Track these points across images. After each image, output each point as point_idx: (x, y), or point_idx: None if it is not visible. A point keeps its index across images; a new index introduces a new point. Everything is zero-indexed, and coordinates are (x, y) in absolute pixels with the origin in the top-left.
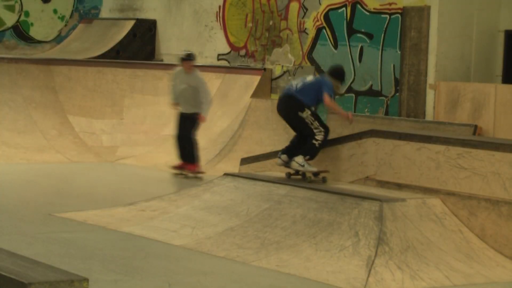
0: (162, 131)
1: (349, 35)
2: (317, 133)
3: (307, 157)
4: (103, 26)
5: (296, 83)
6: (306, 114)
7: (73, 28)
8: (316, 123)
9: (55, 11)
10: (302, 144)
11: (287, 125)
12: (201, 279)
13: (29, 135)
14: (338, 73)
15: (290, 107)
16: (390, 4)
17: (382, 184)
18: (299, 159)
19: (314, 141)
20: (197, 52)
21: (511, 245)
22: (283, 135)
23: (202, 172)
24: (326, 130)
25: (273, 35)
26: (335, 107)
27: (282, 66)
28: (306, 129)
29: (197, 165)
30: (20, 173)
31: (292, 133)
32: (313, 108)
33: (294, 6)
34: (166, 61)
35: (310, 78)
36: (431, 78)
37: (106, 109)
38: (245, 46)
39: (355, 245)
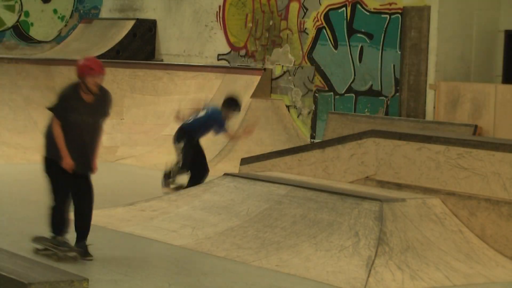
0: (162, 131)
1: (349, 35)
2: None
3: None
4: (103, 26)
5: (189, 118)
6: (180, 146)
7: (73, 28)
8: (181, 160)
9: (55, 11)
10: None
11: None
12: (201, 279)
13: (29, 135)
14: (230, 103)
15: (175, 137)
16: (390, 4)
17: (382, 184)
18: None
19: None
20: (197, 52)
21: (511, 245)
22: (283, 135)
23: None
24: (189, 170)
25: (273, 35)
26: (236, 137)
27: (282, 66)
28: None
29: None
30: (20, 173)
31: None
32: (190, 143)
33: (294, 6)
34: (166, 61)
35: (202, 113)
36: (431, 78)
37: None
38: (245, 46)
39: (355, 245)
